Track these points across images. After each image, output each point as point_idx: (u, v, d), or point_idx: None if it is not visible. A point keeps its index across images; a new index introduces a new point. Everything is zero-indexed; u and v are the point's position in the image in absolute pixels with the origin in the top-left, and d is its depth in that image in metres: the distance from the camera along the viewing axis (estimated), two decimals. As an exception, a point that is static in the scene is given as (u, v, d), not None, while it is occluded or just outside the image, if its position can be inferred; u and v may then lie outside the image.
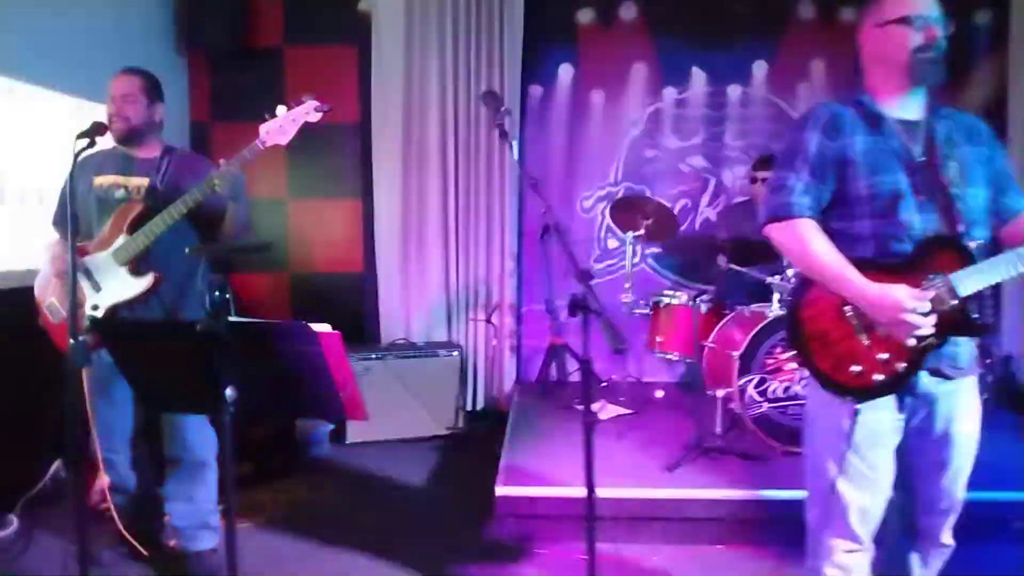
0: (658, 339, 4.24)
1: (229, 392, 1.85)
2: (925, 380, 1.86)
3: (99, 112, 2.80)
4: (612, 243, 5.27)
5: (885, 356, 1.82)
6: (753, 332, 3.55)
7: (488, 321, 4.95)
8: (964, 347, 1.89)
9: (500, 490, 3.21)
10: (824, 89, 5.08)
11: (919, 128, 1.91)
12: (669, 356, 4.25)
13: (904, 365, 1.82)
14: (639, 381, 4.65)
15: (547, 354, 5.09)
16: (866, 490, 1.90)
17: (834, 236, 1.89)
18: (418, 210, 5.08)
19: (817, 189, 1.90)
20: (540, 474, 3.36)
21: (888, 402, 1.87)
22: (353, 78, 5.07)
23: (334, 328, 1.73)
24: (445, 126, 5.00)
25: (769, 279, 3.74)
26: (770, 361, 3.58)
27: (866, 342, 1.84)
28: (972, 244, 1.83)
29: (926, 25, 1.85)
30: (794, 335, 1.95)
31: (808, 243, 1.88)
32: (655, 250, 5.19)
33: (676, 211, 4.87)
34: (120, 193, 2.76)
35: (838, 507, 1.92)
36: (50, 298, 2.78)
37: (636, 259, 4.63)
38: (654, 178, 5.21)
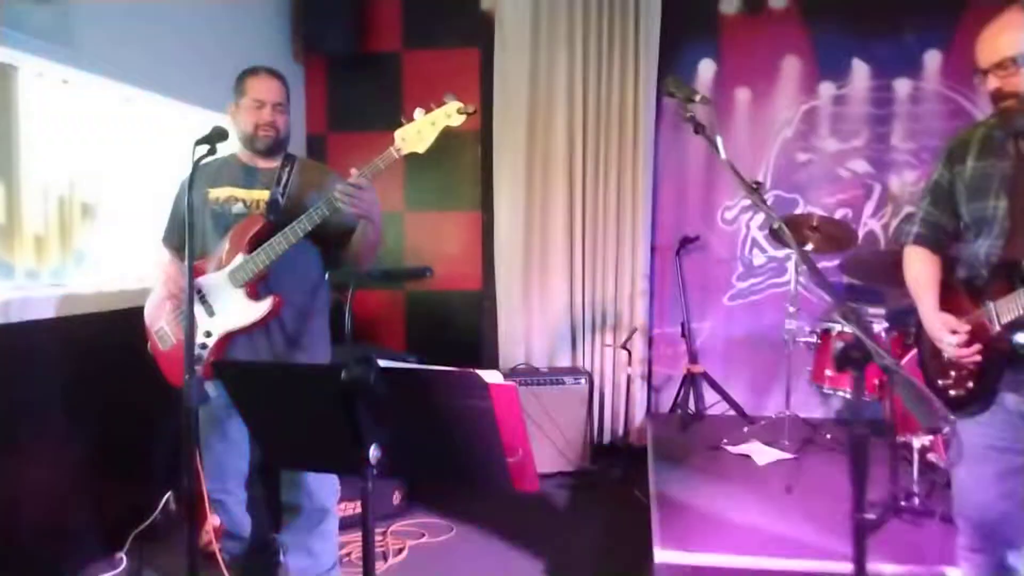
0: (828, 372, 3.67)
1: (373, 452, 1.47)
2: (1013, 399, 1.90)
3: (216, 121, 2.50)
4: (758, 259, 4.71)
5: (955, 373, 1.99)
6: (963, 369, 2.93)
7: (624, 347, 4.47)
8: None
9: (660, 554, 2.72)
10: (1012, 81, 4.37)
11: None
12: (841, 393, 3.67)
13: (972, 384, 1.95)
14: (796, 417, 4.05)
15: (683, 383, 4.60)
16: (969, 502, 2.01)
17: (958, 260, 2.05)
18: (541, 224, 4.69)
19: (934, 216, 2.09)
20: (704, 535, 2.86)
21: (985, 418, 1.93)
22: (474, 82, 4.74)
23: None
24: (573, 133, 4.59)
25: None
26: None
27: (945, 359, 2.00)
28: None
29: None
30: (921, 354, 2.14)
31: (908, 267, 2.14)
32: (824, 265, 4.58)
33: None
34: (238, 207, 2.47)
35: (955, 509, 2.08)
36: (160, 323, 2.50)
37: (799, 278, 4.03)
38: (808, 185, 4.61)
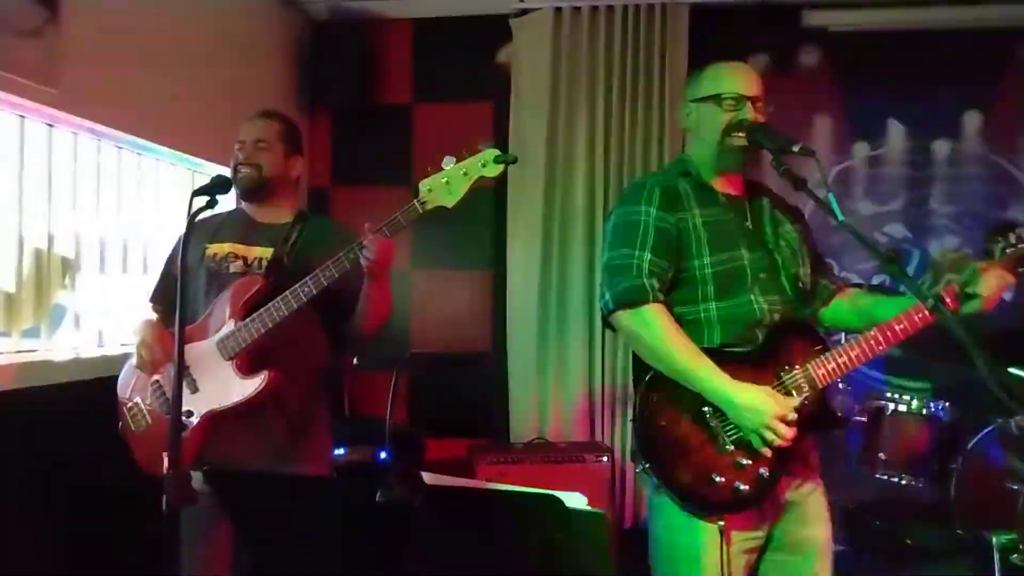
0: (881, 456, 3.32)
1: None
2: (782, 485, 1.69)
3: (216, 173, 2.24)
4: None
5: (747, 462, 1.65)
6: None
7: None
8: (814, 442, 1.80)
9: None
10: (1053, 143, 4.19)
11: (744, 204, 1.85)
12: (894, 478, 3.32)
13: (766, 470, 1.65)
14: (845, 507, 3.67)
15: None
16: None
17: (679, 322, 1.73)
18: (559, 285, 4.38)
19: (660, 269, 1.74)
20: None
21: (747, 517, 1.68)
22: (488, 137, 4.49)
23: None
24: (594, 189, 4.33)
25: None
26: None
27: (729, 448, 1.65)
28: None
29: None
30: (646, 443, 1.68)
31: (664, 333, 1.69)
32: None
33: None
34: (236, 265, 2.15)
35: None
36: (135, 398, 2.14)
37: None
38: (843, 250, 4.34)
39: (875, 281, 4.24)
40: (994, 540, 2.71)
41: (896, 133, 4.33)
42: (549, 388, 4.39)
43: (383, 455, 3.47)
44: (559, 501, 1.04)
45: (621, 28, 4.27)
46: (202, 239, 2.17)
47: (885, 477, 3.36)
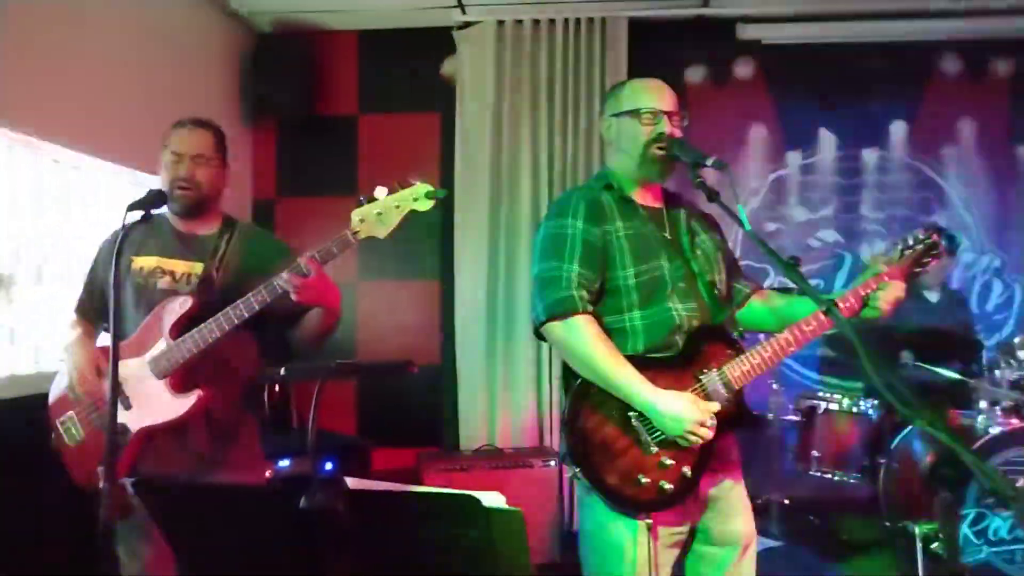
0: (815, 453, 3.45)
1: (338, 594, 1.16)
2: (703, 480, 1.78)
3: (155, 183, 2.21)
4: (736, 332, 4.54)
5: (671, 462, 1.74)
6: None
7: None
8: (732, 440, 1.88)
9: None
10: (975, 151, 4.40)
11: (662, 215, 1.94)
12: (828, 474, 3.44)
13: (689, 469, 1.75)
14: (782, 502, 3.80)
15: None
16: None
17: (608, 331, 1.81)
18: (506, 293, 4.43)
19: (588, 280, 1.81)
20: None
21: (672, 513, 1.76)
22: (434, 147, 4.55)
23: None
24: (539, 197, 4.40)
25: (973, 382, 2.96)
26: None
27: (653, 450, 1.74)
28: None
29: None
30: (576, 447, 1.75)
31: (592, 343, 1.75)
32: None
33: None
34: (164, 281, 2.12)
35: None
36: (67, 412, 2.13)
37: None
38: (780, 254, 4.49)
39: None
40: (917, 531, 2.84)
41: (827, 142, 4.50)
42: (497, 396, 4.43)
43: (328, 466, 3.48)
44: (477, 500, 1.08)
45: (562, 41, 4.36)
46: (127, 251, 2.13)
47: (819, 474, 3.48)
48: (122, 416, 2.00)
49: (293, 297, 1.92)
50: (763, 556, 3.35)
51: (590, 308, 1.80)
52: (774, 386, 3.46)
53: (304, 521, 1.12)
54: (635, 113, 1.88)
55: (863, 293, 1.81)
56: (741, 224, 1.61)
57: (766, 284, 4.33)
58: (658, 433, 1.73)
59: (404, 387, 4.56)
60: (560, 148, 4.40)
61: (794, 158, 4.52)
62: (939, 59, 4.41)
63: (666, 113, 1.87)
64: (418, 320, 4.66)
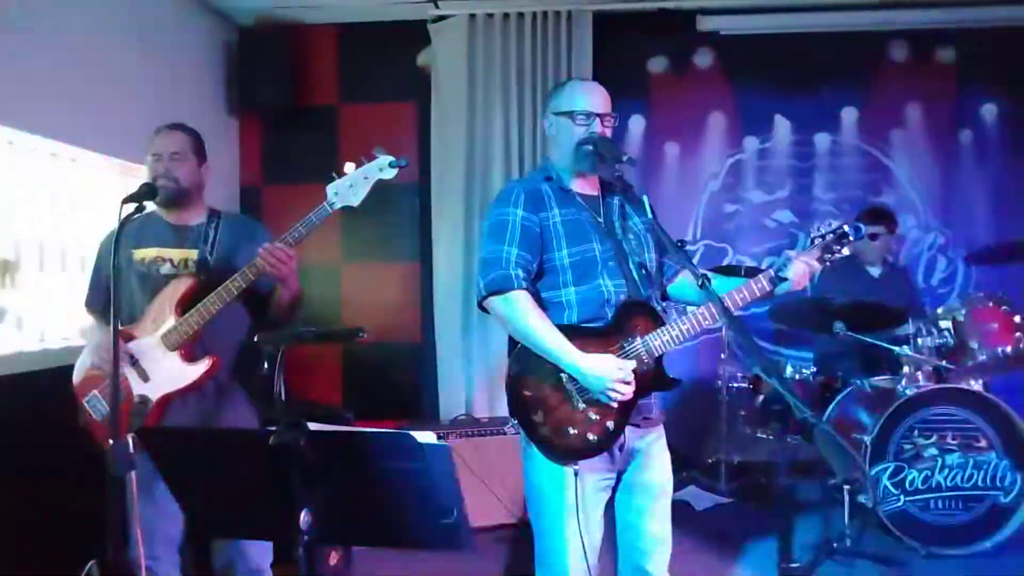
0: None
1: (304, 518, 1.44)
2: (628, 434, 2.02)
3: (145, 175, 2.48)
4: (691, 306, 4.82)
5: (596, 417, 1.98)
6: (887, 413, 3.05)
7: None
8: (654, 400, 2.11)
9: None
10: (921, 134, 4.66)
11: (597, 202, 2.14)
12: (772, 436, 3.74)
13: (612, 423, 1.98)
14: (731, 463, 4.11)
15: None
16: (588, 550, 1.99)
17: (543, 304, 2.05)
18: (481, 273, 4.69)
19: (525, 260, 2.03)
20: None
21: (600, 461, 2.01)
22: (412, 135, 4.79)
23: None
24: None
25: (898, 349, 3.25)
26: (908, 447, 3.07)
27: (581, 406, 1.97)
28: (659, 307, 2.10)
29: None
30: (516, 404, 2.02)
31: (526, 315, 1.99)
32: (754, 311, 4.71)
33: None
34: (166, 268, 2.43)
35: (566, 570, 2.02)
36: (92, 391, 2.42)
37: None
38: (736, 235, 4.78)
39: (764, 264, 4.67)
40: (835, 481, 3.15)
41: (782, 128, 4.76)
42: (474, 369, 4.72)
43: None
44: (411, 437, 1.36)
45: (531, 33, 4.59)
46: (127, 245, 2.40)
47: (765, 436, 3.78)
48: (142, 388, 2.31)
49: (271, 270, 2.21)
50: (713, 511, 3.69)
51: (525, 285, 2.02)
52: (722, 356, 3.75)
53: (275, 456, 1.40)
54: (570, 115, 2.10)
55: (771, 273, 2.07)
56: (646, 213, 1.84)
57: (724, 262, 4.64)
58: (586, 391, 1.97)
59: (388, 362, 4.85)
60: (530, 136, 4.65)
61: (751, 143, 4.78)
62: (888, 47, 4.65)
63: (598, 115, 2.10)
64: (399, 299, 4.93)
